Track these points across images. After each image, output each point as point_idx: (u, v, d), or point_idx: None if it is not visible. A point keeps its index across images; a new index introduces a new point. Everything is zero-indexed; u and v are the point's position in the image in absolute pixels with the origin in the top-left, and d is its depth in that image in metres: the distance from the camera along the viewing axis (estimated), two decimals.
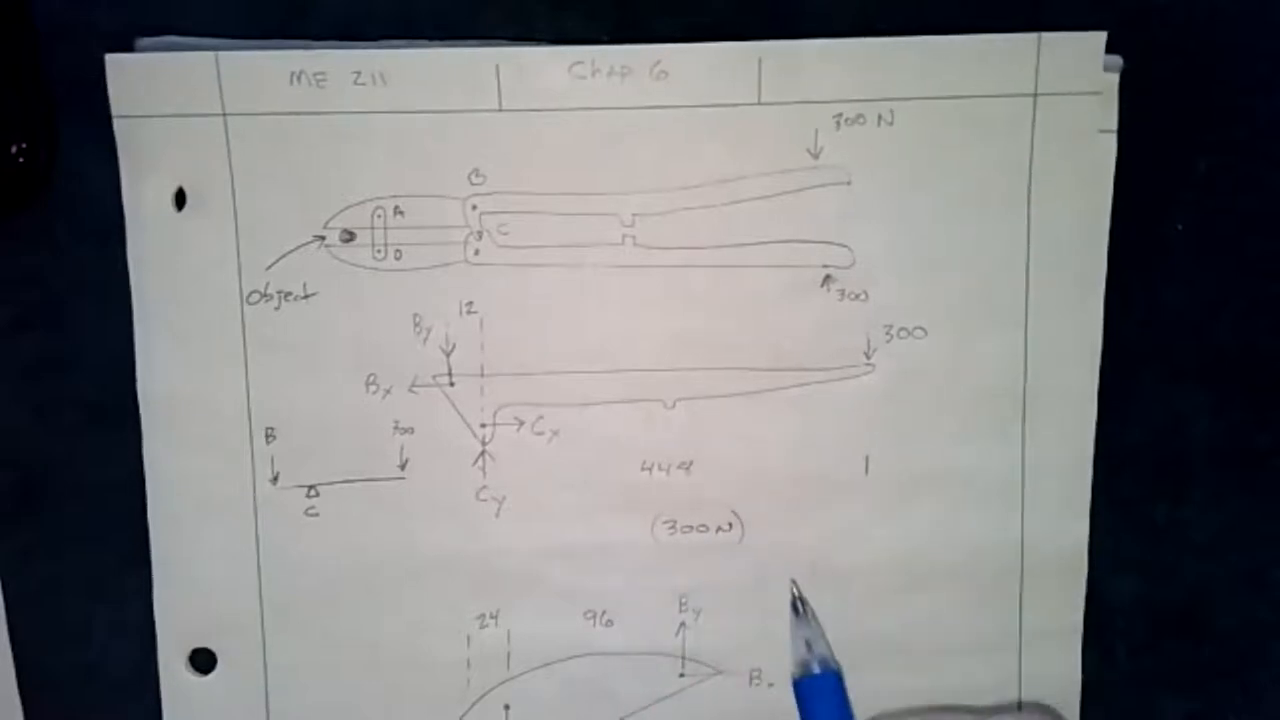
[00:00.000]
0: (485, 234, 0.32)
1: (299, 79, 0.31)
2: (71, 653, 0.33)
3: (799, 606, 0.33)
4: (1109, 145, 0.32)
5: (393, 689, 0.33)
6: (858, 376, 0.33)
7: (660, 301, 0.32)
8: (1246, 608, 0.35)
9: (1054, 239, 0.32)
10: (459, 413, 0.32)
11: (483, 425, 0.33)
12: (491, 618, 0.33)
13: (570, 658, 0.33)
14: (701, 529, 0.33)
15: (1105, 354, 0.33)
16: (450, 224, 0.32)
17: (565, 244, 0.32)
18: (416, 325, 0.32)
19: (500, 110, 0.31)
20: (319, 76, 0.31)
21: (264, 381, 0.32)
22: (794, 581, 0.33)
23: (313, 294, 0.32)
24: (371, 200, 0.32)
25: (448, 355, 0.32)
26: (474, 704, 0.33)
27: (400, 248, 0.32)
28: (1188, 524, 0.34)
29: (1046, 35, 0.32)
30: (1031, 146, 0.32)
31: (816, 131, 0.32)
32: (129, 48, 0.31)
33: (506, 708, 0.33)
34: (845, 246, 0.32)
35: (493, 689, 0.33)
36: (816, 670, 0.32)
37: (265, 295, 0.32)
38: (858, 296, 0.33)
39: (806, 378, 0.33)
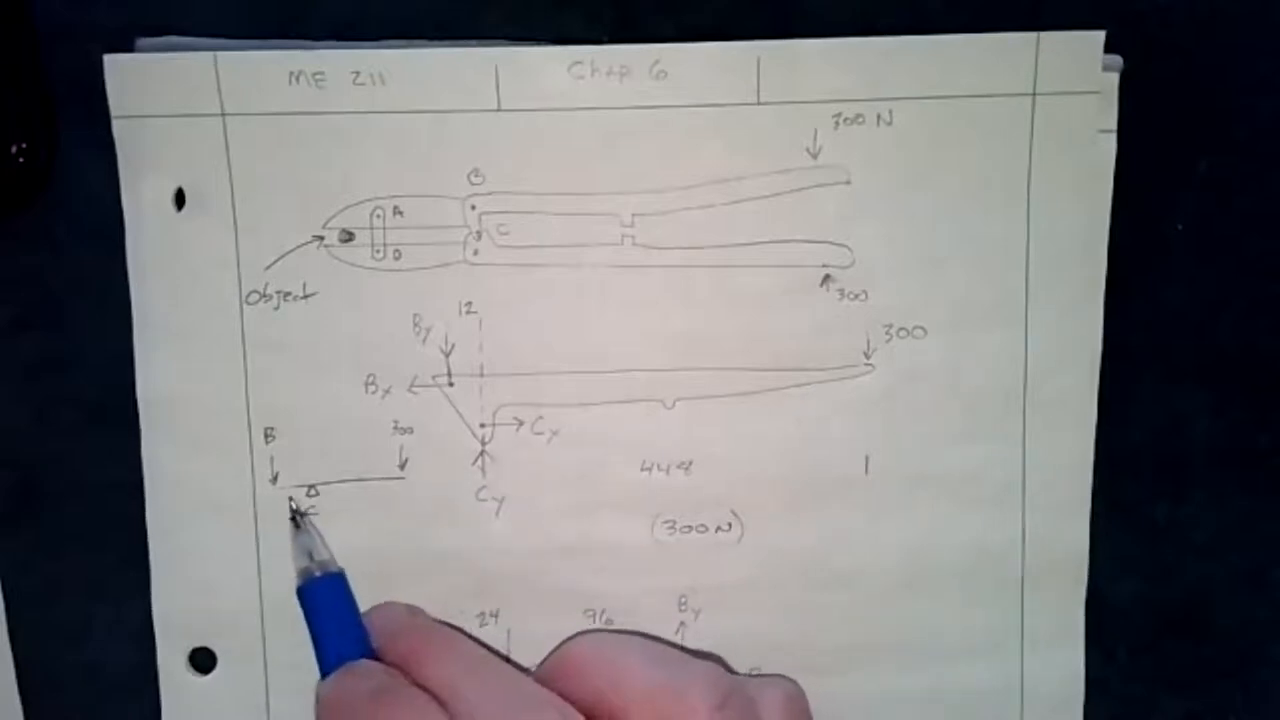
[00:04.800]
0: (484, 234, 0.32)
1: (298, 79, 0.31)
2: (71, 653, 0.33)
3: (298, 520, 0.32)
4: (1109, 145, 0.32)
5: None
6: (857, 376, 0.33)
7: (660, 301, 0.32)
8: (1246, 608, 0.34)
9: (1054, 239, 0.32)
10: (458, 413, 0.32)
11: (482, 425, 0.33)
12: (491, 616, 0.33)
13: None
14: (701, 529, 0.33)
15: (1105, 354, 0.33)
16: (449, 224, 0.32)
17: (565, 244, 0.32)
18: (416, 325, 0.32)
19: (499, 110, 0.31)
20: (318, 77, 0.31)
21: (263, 381, 0.32)
22: (291, 499, 0.32)
23: (312, 294, 0.32)
24: (370, 200, 0.32)
25: (447, 355, 0.32)
26: None
27: (399, 248, 0.32)
28: (1188, 524, 0.34)
29: (1045, 35, 0.31)
30: (1031, 146, 0.32)
31: (816, 131, 0.32)
32: (129, 48, 0.31)
33: None
34: (845, 246, 0.32)
35: None
36: (318, 574, 0.31)
37: (264, 295, 0.32)
38: (857, 296, 0.32)
39: (806, 378, 0.33)
